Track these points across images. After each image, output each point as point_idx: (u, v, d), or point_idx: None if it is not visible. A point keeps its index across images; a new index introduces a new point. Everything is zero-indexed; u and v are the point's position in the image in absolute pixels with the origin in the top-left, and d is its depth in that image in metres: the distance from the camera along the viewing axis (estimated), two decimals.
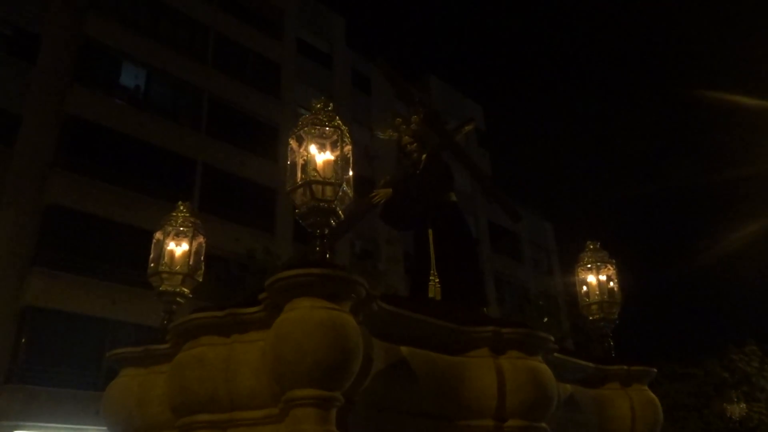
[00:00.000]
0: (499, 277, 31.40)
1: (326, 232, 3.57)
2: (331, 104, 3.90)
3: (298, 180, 3.62)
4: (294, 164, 3.72)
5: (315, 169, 3.61)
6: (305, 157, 3.66)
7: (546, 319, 23.31)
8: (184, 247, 4.67)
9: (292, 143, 3.77)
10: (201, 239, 4.81)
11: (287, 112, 24.12)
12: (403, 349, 3.64)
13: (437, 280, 5.23)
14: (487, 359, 3.96)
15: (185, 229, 4.71)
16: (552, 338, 4.27)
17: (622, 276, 5.55)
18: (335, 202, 3.58)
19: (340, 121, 3.83)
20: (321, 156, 3.71)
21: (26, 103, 19.76)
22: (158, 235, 4.71)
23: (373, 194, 5.50)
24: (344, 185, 3.64)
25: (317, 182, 3.57)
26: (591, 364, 4.93)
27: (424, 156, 5.64)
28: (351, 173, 3.79)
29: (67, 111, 19.99)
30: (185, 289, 4.58)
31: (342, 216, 3.68)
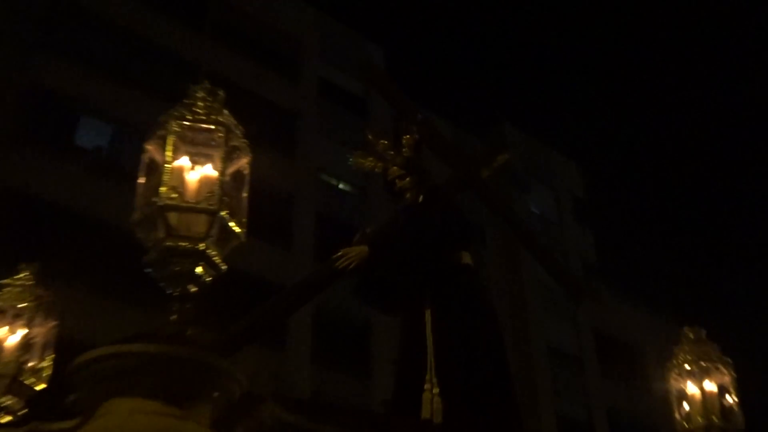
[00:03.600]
0: (614, 412, 29.70)
1: (190, 289, 2.95)
2: (220, 92, 3.35)
3: (149, 205, 3.04)
4: (149, 185, 3.15)
5: (178, 189, 3.03)
6: (168, 170, 3.08)
7: None
8: (20, 334, 4.06)
9: (152, 151, 3.21)
10: (52, 323, 4.20)
11: (303, 177, 23.71)
12: None
13: (436, 390, 4.47)
14: None
15: (26, 306, 4.12)
16: None
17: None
18: (207, 242, 2.97)
19: (231, 118, 3.27)
20: (196, 171, 3.14)
21: None
22: None
23: (339, 254, 4.76)
24: (225, 215, 3.03)
25: (177, 208, 2.98)
26: None
27: (421, 196, 5.02)
28: (245, 198, 3.21)
29: None
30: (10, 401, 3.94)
31: (223, 265, 3.06)
